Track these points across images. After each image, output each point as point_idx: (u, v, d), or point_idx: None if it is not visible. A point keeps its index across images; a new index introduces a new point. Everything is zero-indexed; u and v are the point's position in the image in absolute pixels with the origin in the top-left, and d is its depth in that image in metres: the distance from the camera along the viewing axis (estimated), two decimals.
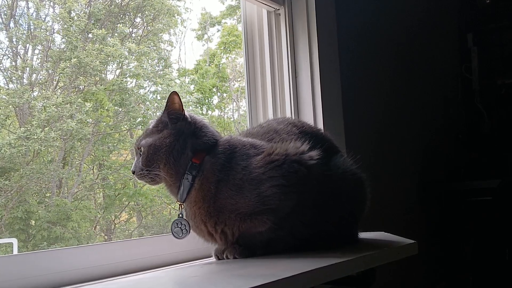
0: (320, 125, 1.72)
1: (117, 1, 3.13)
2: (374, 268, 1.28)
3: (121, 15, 3.22)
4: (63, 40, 2.75)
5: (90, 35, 2.85)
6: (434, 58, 2.64)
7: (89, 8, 2.92)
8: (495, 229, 2.22)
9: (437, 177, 2.46)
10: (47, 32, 2.77)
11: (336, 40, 1.83)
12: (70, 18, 2.79)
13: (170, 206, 3.25)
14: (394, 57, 2.28)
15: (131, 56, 3.05)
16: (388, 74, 2.22)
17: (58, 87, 2.79)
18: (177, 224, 1.15)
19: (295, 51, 1.78)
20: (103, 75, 2.92)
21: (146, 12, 3.33)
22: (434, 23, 2.70)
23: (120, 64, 2.99)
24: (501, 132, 2.68)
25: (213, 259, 1.20)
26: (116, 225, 3.15)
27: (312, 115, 1.75)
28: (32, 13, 2.73)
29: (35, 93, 2.66)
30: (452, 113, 2.79)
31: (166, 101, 1.15)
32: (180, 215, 1.15)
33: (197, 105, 3.37)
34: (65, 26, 2.74)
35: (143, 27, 3.34)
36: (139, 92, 3.06)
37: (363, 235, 1.46)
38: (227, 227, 1.12)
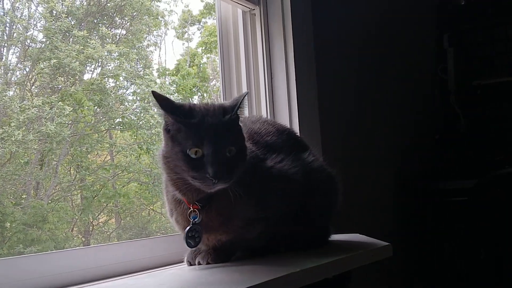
0: (296, 126, 1.71)
1: (95, 0, 3.10)
2: (350, 270, 1.27)
3: (100, 15, 3.18)
4: (43, 39, 2.71)
5: (70, 35, 2.81)
6: (411, 58, 2.65)
7: (67, 7, 2.88)
8: (471, 229, 2.23)
9: (413, 177, 2.47)
10: (26, 31, 2.73)
11: (312, 40, 1.82)
12: (51, 16, 2.75)
13: (149, 208, 3.22)
14: (371, 57, 2.28)
15: (110, 57, 3.01)
16: (365, 74, 2.22)
17: (35, 87, 2.75)
18: (192, 231, 1.07)
19: (271, 51, 1.77)
20: (82, 75, 2.89)
21: (126, 12, 3.29)
22: (411, 24, 2.71)
23: (99, 64, 2.95)
24: (477, 132, 2.69)
25: (184, 264, 1.18)
26: (94, 227, 3.11)
27: (288, 116, 1.74)
28: (7, 10, 2.68)
29: (11, 93, 2.61)
30: (429, 113, 2.80)
31: (239, 99, 1.07)
32: (196, 221, 1.07)
33: None
34: (46, 25, 2.70)
35: (122, 26, 3.30)
36: (118, 92, 3.02)
37: (338, 236, 1.46)
38: (226, 234, 1.10)
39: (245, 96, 1.09)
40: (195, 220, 1.06)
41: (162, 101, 1.02)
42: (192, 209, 1.07)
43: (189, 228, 1.06)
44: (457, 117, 2.74)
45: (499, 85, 2.67)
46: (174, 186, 1.07)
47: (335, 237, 1.42)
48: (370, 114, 2.22)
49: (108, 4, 3.17)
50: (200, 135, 1.00)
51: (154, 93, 1.02)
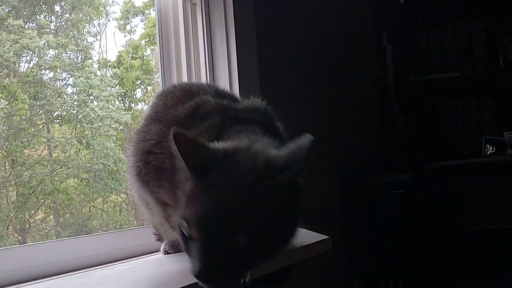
0: None
1: None
2: (289, 264, 1.27)
3: (38, 3, 3.05)
4: None
5: (4, 24, 2.68)
6: (352, 54, 2.68)
7: None
8: (407, 222, 2.29)
9: (353, 171, 2.50)
10: None
11: (254, 32, 1.81)
12: None
13: (89, 204, 3.13)
14: (313, 50, 2.29)
15: (48, 47, 2.89)
16: (307, 67, 2.22)
17: None
18: None
19: (212, 42, 1.74)
20: (16, 67, 2.76)
21: (65, 1, 3.17)
22: (352, 20, 2.74)
23: (36, 55, 2.83)
24: (413, 127, 2.77)
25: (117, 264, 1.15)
26: (31, 225, 2.99)
27: None
28: None
29: None
30: (368, 108, 2.85)
31: (302, 153, 0.79)
32: None
33: (120, 99, 3.25)
34: None
35: (61, 16, 3.18)
36: (55, 84, 2.91)
37: None
38: None
39: (310, 147, 0.80)
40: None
41: (182, 144, 0.74)
42: None
43: None
44: (395, 112, 2.81)
45: (434, 81, 2.77)
46: None
47: None
48: (311, 108, 2.22)
49: None
50: (203, 208, 0.71)
51: (175, 134, 0.74)
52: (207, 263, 0.69)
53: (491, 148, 2.51)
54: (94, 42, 3.36)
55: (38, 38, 2.78)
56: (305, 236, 1.39)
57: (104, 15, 3.39)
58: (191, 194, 0.73)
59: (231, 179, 0.72)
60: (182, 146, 0.73)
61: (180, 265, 1.06)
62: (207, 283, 0.71)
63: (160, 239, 1.30)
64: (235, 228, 0.70)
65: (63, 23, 3.14)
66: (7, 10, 2.75)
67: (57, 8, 3.16)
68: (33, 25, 2.87)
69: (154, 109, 1.07)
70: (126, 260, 1.28)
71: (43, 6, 3.10)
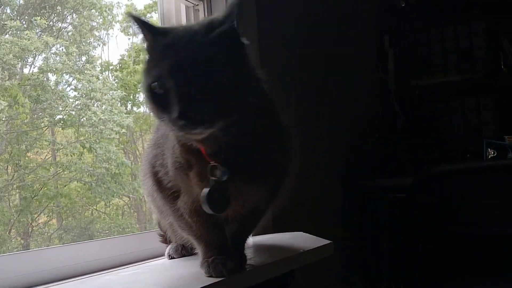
0: None
1: None
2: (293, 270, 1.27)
3: (40, 7, 3.06)
4: None
5: (5, 27, 2.69)
6: (354, 58, 2.69)
7: None
8: (409, 225, 2.29)
9: (355, 174, 2.51)
10: None
11: (256, 38, 1.81)
12: None
13: (92, 208, 3.14)
14: (315, 55, 2.29)
15: (49, 51, 2.90)
16: (309, 71, 2.22)
17: None
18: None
19: None
20: (17, 69, 2.77)
21: (68, 5, 3.18)
22: (354, 24, 2.75)
23: (38, 58, 2.84)
24: (415, 131, 2.78)
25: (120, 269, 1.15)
26: (34, 228, 2.99)
27: None
28: None
29: None
30: (370, 111, 2.85)
31: (232, 8, 0.82)
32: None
33: (122, 101, 3.26)
34: None
35: (64, 19, 3.19)
36: (57, 88, 2.91)
37: (280, 235, 1.45)
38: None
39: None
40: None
41: (138, 20, 0.87)
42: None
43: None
44: (397, 115, 2.81)
45: (436, 85, 2.77)
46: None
47: (278, 236, 1.41)
48: (313, 111, 2.23)
49: None
50: (166, 61, 0.79)
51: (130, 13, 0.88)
52: (188, 104, 0.77)
53: (492, 152, 2.51)
54: (97, 45, 3.37)
55: (38, 41, 2.78)
56: (307, 241, 1.40)
57: (108, 18, 3.40)
58: (155, 57, 0.83)
59: (187, 36, 0.81)
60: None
61: (185, 270, 1.07)
62: (189, 121, 0.77)
63: (165, 241, 1.30)
64: (205, 68, 0.78)
65: (66, 26, 3.15)
66: (12, 15, 2.76)
67: (60, 10, 3.17)
68: (35, 28, 2.88)
69: None
70: (131, 265, 1.28)
71: (46, 9, 3.11)
